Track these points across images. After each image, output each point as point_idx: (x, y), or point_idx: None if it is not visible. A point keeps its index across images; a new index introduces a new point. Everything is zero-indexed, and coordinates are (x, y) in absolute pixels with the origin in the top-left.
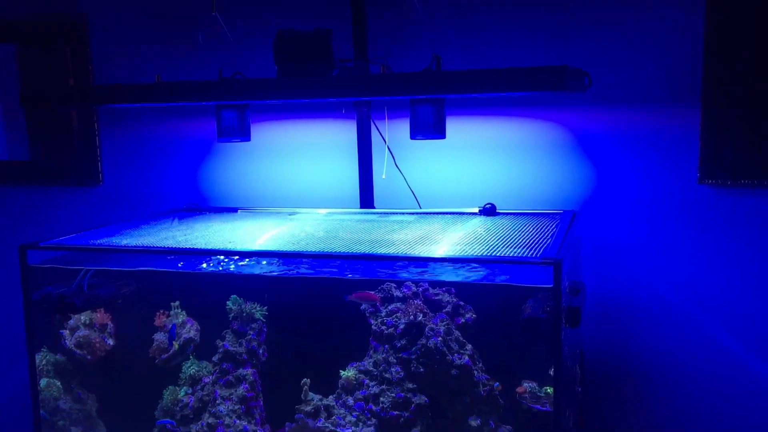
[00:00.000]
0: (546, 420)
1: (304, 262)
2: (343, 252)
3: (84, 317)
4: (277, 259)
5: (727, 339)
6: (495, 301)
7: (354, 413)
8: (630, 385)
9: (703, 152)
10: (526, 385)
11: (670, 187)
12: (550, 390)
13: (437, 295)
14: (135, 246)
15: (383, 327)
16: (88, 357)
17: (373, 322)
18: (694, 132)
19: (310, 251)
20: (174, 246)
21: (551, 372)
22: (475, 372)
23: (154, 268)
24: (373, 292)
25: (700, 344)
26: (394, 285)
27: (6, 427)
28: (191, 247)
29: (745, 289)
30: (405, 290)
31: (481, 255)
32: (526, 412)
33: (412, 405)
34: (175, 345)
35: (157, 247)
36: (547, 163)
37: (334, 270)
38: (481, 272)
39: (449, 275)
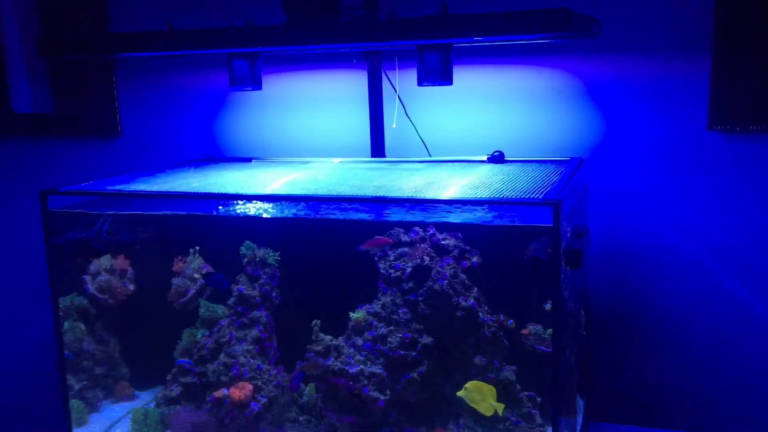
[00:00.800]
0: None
1: (315, 205)
2: (352, 195)
3: (105, 263)
4: (289, 204)
5: (734, 284)
6: (500, 243)
7: (363, 353)
8: (637, 329)
9: (712, 98)
10: (531, 327)
11: (679, 134)
12: None
13: (444, 240)
14: (152, 191)
15: (391, 271)
16: (110, 301)
17: (381, 266)
18: (704, 79)
19: (321, 194)
20: (190, 191)
21: (546, 306)
22: (481, 314)
23: (172, 212)
24: (383, 237)
25: (708, 289)
26: (402, 230)
27: (35, 366)
28: (207, 191)
29: (754, 235)
30: (412, 235)
31: (485, 197)
32: (530, 353)
33: (419, 345)
34: (233, 287)
35: (174, 192)
36: (556, 111)
37: (344, 214)
38: (486, 214)
39: (455, 217)
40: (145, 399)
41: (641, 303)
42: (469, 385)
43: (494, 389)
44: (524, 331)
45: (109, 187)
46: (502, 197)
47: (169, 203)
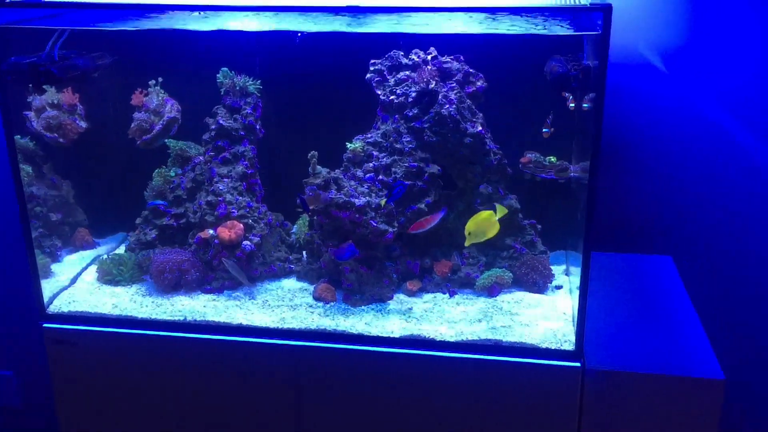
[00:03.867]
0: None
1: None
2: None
3: (51, 97)
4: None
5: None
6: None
7: (365, 185)
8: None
9: None
10: (530, 155)
11: None
12: (554, 159)
13: (446, 63)
14: (113, 3)
15: (392, 97)
16: (60, 140)
17: (380, 92)
18: None
19: (307, 5)
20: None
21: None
22: (487, 141)
23: (132, 28)
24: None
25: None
26: (401, 53)
27: None
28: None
29: None
30: (415, 56)
31: (517, 5)
32: (530, 181)
33: (426, 174)
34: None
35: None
36: None
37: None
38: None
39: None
40: (108, 246)
41: None
42: (469, 228)
43: (489, 213)
44: (523, 160)
45: None
46: (546, 6)
47: (131, 15)
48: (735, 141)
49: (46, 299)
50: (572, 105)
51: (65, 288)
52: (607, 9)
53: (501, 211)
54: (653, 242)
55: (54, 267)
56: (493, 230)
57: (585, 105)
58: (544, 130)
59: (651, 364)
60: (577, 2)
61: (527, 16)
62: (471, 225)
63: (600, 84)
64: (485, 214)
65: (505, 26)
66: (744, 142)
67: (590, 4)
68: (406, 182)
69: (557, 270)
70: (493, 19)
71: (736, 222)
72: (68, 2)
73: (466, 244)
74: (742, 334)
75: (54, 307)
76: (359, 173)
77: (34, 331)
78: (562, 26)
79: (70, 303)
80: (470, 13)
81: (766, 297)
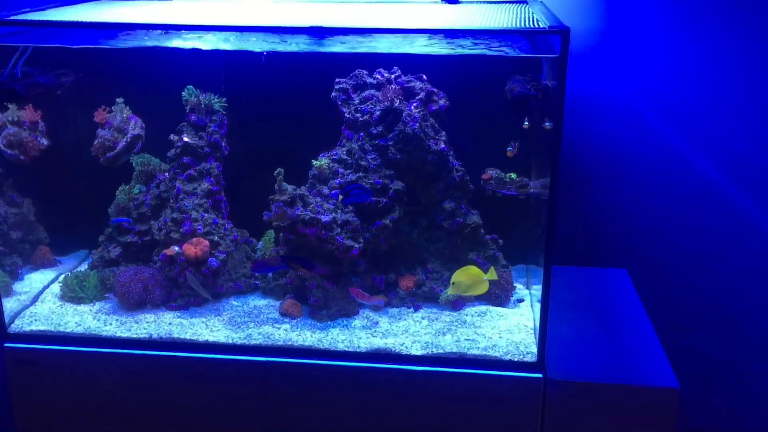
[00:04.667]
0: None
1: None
2: (321, 26)
3: (11, 114)
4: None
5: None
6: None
7: (331, 201)
8: None
9: None
10: (491, 172)
11: None
12: (514, 175)
13: (409, 82)
14: (79, 21)
15: (357, 115)
16: (21, 157)
17: (345, 110)
18: None
19: (275, 25)
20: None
21: (546, 126)
22: (450, 158)
23: (97, 45)
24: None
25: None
26: (365, 72)
27: None
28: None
29: None
30: (379, 75)
31: (480, 27)
32: (491, 197)
33: (390, 191)
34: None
35: (104, 23)
36: None
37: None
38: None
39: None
40: (70, 264)
41: None
42: (455, 279)
43: (477, 269)
44: (485, 176)
45: (26, 17)
46: (506, 28)
47: (97, 35)
48: (681, 155)
49: (7, 319)
50: (527, 124)
51: (27, 306)
52: (565, 32)
53: (492, 274)
54: (609, 256)
55: (15, 286)
56: (481, 288)
57: (547, 124)
58: (508, 149)
59: (609, 375)
60: (536, 24)
61: (485, 38)
62: (460, 276)
63: (559, 103)
64: (476, 269)
65: (467, 47)
66: (693, 159)
67: (549, 26)
68: (365, 186)
69: (518, 285)
70: (453, 41)
71: (687, 235)
72: (30, 21)
73: (449, 292)
74: (695, 343)
75: (15, 326)
76: (325, 190)
77: None
78: (516, 49)
79: (32, 322)
80: (431, 35)
81: (717, 306)
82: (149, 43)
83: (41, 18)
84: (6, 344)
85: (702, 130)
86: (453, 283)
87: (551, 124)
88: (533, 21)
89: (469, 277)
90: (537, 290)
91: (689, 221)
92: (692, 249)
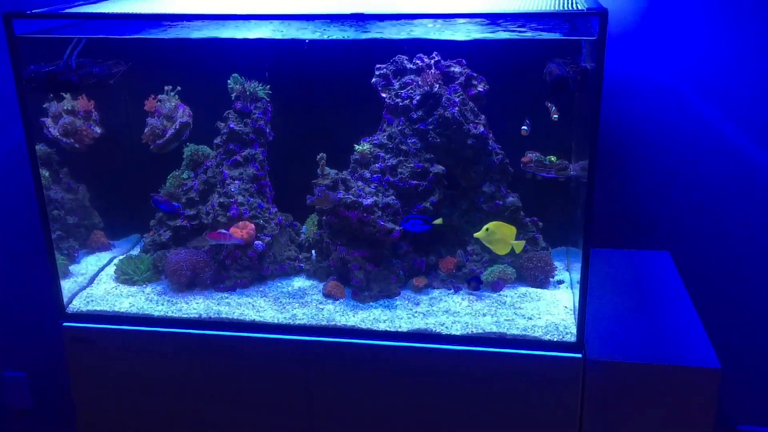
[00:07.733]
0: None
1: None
2: (362, 12)
3: (66, 103)
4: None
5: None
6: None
7: (372, 185)
8: None
9: None
10: (531, 155)
11: None
12: (554, 158)
13: (449, 66)
14: (131, 13)
15: (398, 100)
16: (76, 145)
17: (386, 96)
18: None
19: (314, 13)
20: (170, 12)
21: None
22: (490, 141)
23: (149, 36)
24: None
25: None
26: (405, 57)
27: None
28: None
29: None
30: (419, 61)
31: (518, 11)
32: (531, 180)
33: (430, 174)
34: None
35: (154, 14)
36: None
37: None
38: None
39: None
40: (123, 248)
41: None
42: (490, 225)
43: (515, 229)
44: (524, 159)
45: (82, 10)
46: (545, 11)
47: (149, 26)
48: (724, 136)
49: (65, 299)
50: (555, 116)
51: (83, 288)
52: (603, 13)
53: (519, 246)
54: (651, 238)
55: (72, 268)
56: (504, 249)
57: (554, 117)
58: (523, 127)
59: (649, 355)
60: (575, 6)
61: (524, 22)
62: (493, 224)
63: (597, 86)
64: (512, 230)
65: (506, 31)
66: (737, 140)
67: (587, 9)
68: (418, 219)
69: (559, 265)
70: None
71: (731, 217)
72: (86, 13)
73: (476, 235)
74: (738, 325)
75: (73, 307)
76: (366, 174)
77: (46, 333)
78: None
79: (88, 302)
80: (471, 19)
81: (761, 290)
82: (200, 35)
83: (96, 11)
84: (65, 323)
85: (749, 113)
86: (486, 228)
87: (557, 117)
88: (572, 3)
89: (500, 231)
90: (577, 272)
91: (735, 205)
92: (737, 233)
